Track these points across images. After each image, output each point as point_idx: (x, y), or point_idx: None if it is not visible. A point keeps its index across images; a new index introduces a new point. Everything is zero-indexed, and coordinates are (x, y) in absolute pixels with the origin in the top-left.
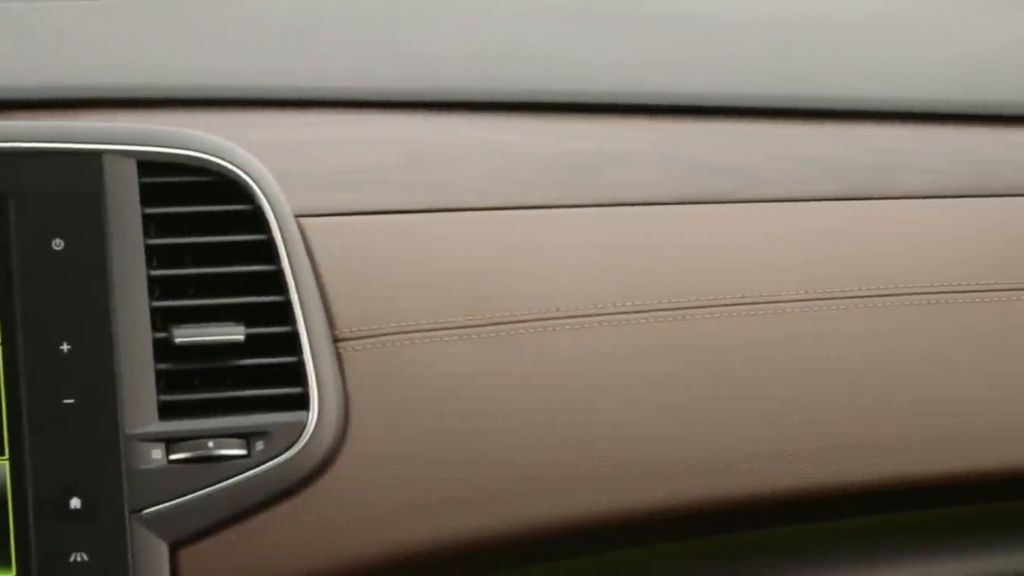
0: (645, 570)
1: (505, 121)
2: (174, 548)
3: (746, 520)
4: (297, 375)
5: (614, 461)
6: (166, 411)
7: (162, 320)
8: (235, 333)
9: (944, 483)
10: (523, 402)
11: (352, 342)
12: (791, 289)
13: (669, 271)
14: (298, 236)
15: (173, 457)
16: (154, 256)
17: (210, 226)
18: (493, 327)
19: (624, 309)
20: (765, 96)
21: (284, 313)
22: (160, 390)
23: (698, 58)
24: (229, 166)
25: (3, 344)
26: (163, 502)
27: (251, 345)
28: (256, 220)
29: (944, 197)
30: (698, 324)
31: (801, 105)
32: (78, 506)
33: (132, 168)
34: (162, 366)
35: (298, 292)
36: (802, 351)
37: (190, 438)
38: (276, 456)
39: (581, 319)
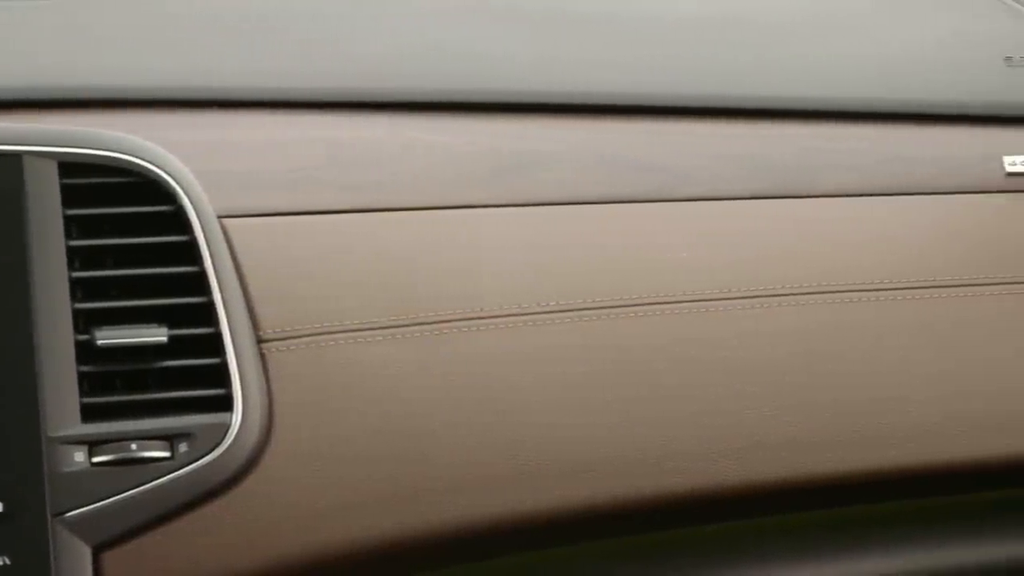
0: (571, 569)
1: (429, 121)
2: (97, 551)
3: (670, 519)
4: (221, 376)
5: (538, 460)
6: (89, 413)
7: (84, 322)
8: (158, 335)
9: (867, 480)
10: (448, 402)
11: (276, 343)
12: (715, 288)
13: (593, 271)
14: (221, 237)
15: (96, 460)
16: (76, 258)
17: (132, 227)
18: (418, 327)
19: (548, 309)
20: (689, 95)
21: (207, 314)
22: (83, 392)
23: (623, 57)
24: (150, 167)
25: None
26: (86, 505)
27: (174, 347)
28: (178, 221)
29: (868, 195)
30: (622, 324)
31: (725, 104)
32: (0, 509)
33: (53, 169)
34: (84, 368)
35: (221, 293)
36: (726, 350)
37: (113, 440)
38: (199, 458)
39: (506, 319)
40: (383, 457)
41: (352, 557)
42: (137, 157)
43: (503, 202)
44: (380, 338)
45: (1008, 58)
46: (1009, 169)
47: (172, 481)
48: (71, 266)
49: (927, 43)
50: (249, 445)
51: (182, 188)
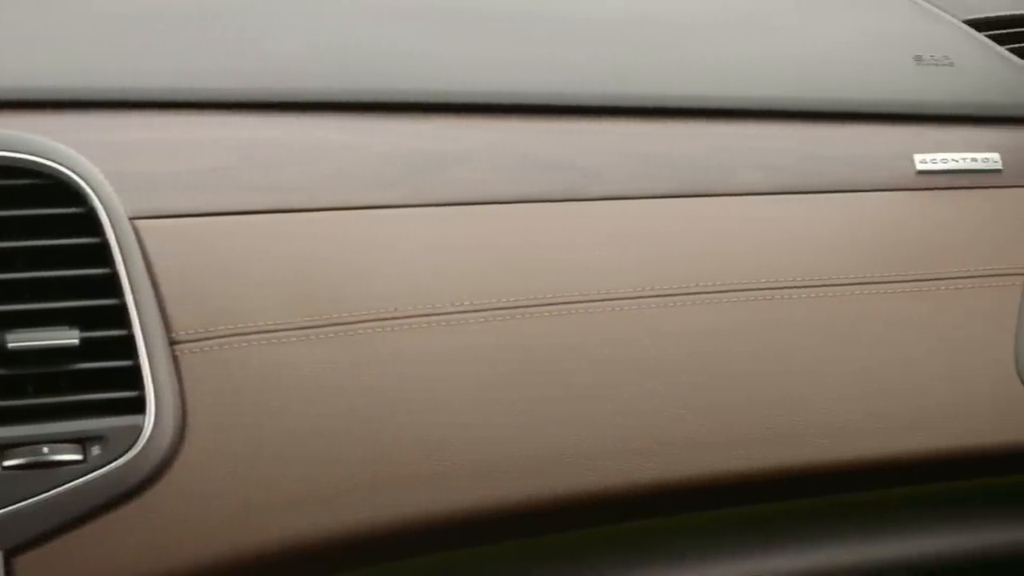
0: (489, 569)
1: (342, 121)
2: (10, 555)
3: (585, 518)
4: (133, 379)
5: (452, 460)
6: None
7: None
8: (69, 337)
9: (779, 478)
10: (361, 402)
11: (189, 344)
12: (627, 287)
13: (506, 270)
14: (133, 238)
15: (7, 463)
16: None
17: (43, 229)
18: (331, 328)
19: (461, 309)
20: (601, 94)
21: (120, 316)
22: None
23: (535, 57)
24: (59, 168)
25: None
26: None
27: (86, 349)
28: (89, 223)
29: (780, 193)
30: (535, 323)
31: (637, 103)
32: None
33: None
34: None
35: (133, 295)
36: (639, 349)
37: (24, 444)
38: (113, 460)
39: (419, 319)
40: (297, 457)
41: (269, 557)
42: (46, 158)
43: (416, 202)
44: (294, 339)
45: (918, 57)
46: (920, 167)
47: (85, 484)
48: None
49: (838, 42)
50: (162, 447)
51: (92, 189)
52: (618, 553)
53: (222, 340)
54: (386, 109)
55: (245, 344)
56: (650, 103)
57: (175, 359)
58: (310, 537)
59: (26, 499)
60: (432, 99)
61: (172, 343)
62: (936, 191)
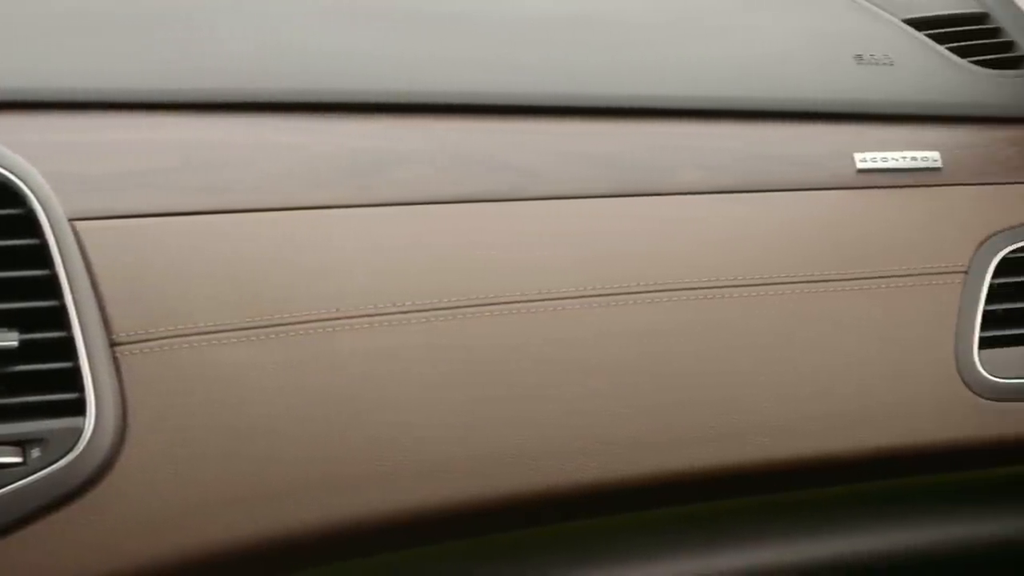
0: (434, 569)
1: (285, 121)
2: None
3: (529, 517)
4: (73, 381)
5: (396, 460)
6: None
7: None
8: (8, 339)
9: (723, 476)
10: (304, 403)
11: (130, 346)
12: (570, 287)
13: (448, 270)
14: (72, 239)
15: None
16: None
17: None
18: (273, 328)
19: (404, 309)
20: (543, 94)
21: (59, 318)
22: None
23: (477, 57)
24: None
25: None
26: None
27: (26, 351)
28: (28, 224)
29: (721, 192)
30: (478, 323)
31: (579, 103)
32: None
33: None
34: None
35: (73, 296)
36: (582, 349)
37: None
38: (53, 462)
39: (362, 319)
40: (240, 458)
41: (212, 558)
42: None
43: (357, 202)
44: (235, 340)
45: (858, 56)
46: (860, 166)
47: (26, 486)
48: None
49: (779, 41)
50: (103, 449)
51: (31, 190)
52: (562, 552)
53: (163, 341)
54: (328, 109)
55: (186, 345)
56: (591, 103)
57: (116, 360)
58: (253, 538)
59: None
60: (374, 99)
61: (112, 344)
62: (876, 190)
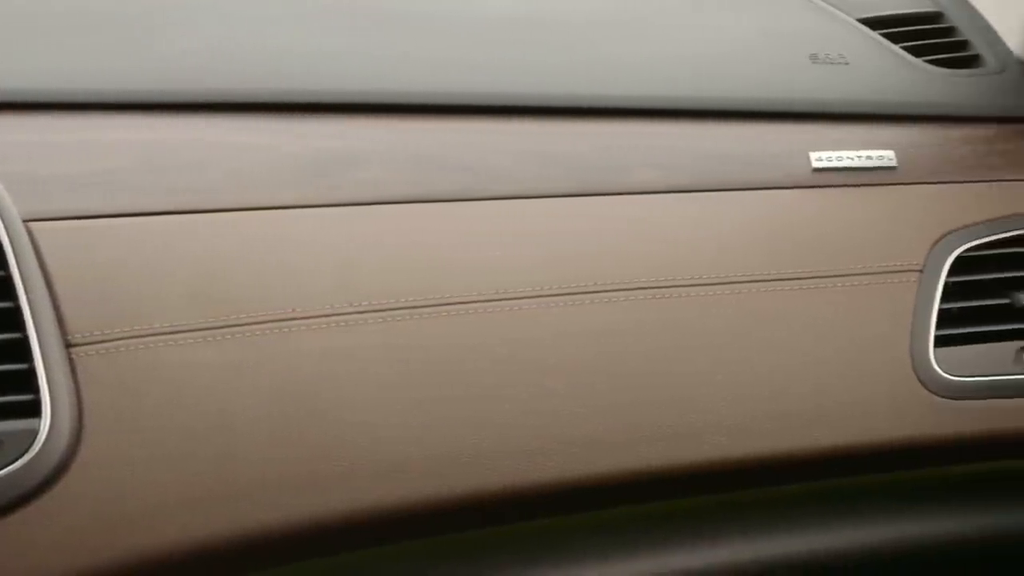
0: (391, 569)
1: (243, 121)
2: None
3: (485, 517)
4: (28, 382)
5: (353, 460)
6: None
7: None
8: None
9: (680, 476)
10: (261, 403)
11: (85, 347)
12: (526, 287)
13: (406, 271)
14: (27, 240)
15: None
16: None
17: None
18: (230, 329)
19: (361, 309)
20: (498, 94)
21: (14, 319)
22: None
23: (434, 57)
24: None
25: None
26: None
27: None
28: None
29: (677, 192)
30: (434, 324)
31: (534, 103)
32: None
33: None
34: None
35: (28, 297)
36: (538, 349)
37: None
38: (8, 464)
39: (319, 319)
40: (197, 459)
41: (169, 560)
42: None
43: (315, 202)
44: (192, 340)
45: (813, 55)
46: (816, 165)
47: None
48: None
49: (734, 40)
50: (59, 450)
51: None
52: (520, 552)
53: (119, 342)
54: (285, 110)
55: (143, 346)
56: (547, 102)
57: (71, 362)
58: (211, 538)
59: None
60: (330, 99)
61: (68, 346)
62: (832, 189)
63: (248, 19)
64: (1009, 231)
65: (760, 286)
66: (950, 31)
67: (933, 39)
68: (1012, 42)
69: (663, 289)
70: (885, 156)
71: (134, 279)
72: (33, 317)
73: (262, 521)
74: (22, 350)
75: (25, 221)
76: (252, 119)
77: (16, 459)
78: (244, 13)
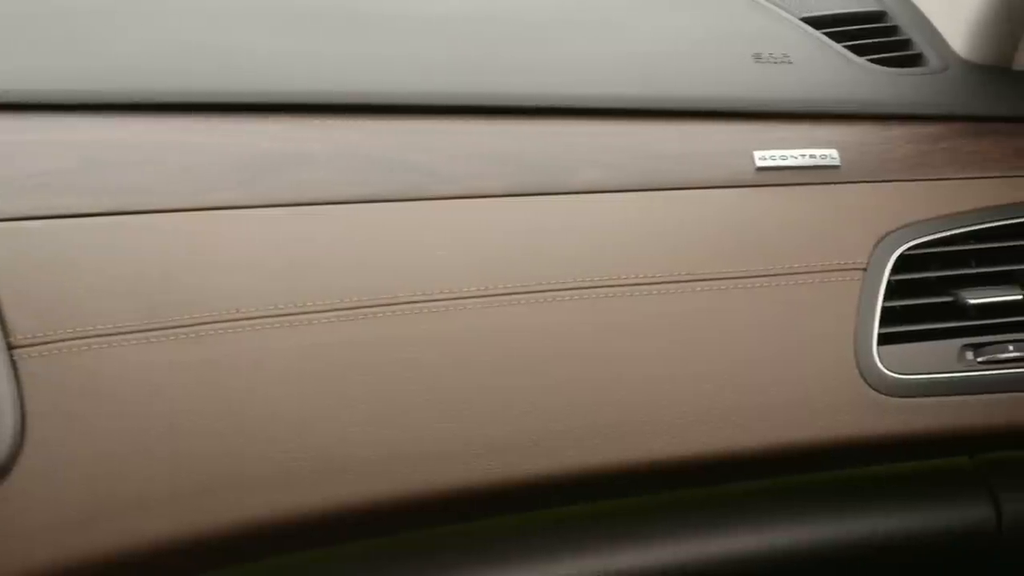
0: (322, 569)
1: (185, 121)
2: None
3: (424, 518)
4: None
5: (295, 461)
6: None
7: None
8: None
9: (619, 474)
10: (204, 404)
11: (27, 349)
12: (470, 287)
13: (350, 271)
14: None
15: None
16: None
17: None
18: (173, 330)
19: (305, 309)
20: (443, 94)
21: None
22: None
23: (377, 56)
24: None
25: None
26: None
27: None
28: None
29: (622, 191)
30: (378, 323)
31: (478, 102)
32: None
33: None
34: None
35: None
36: (482, 349)
37: None
38: None
39: (262, 320)
40: (141, 461)
41: (115, 560)
42: None
43: (259, 203)
44: (134, 341)
45: (757, 55)
46: (759, 164)
47: None
48: None
49: (679, 39)
50: (1, 453)
51: None
52: (457, 552)
53: (63, 344)
54: (230, 110)
55: (87, 348)
56: (491, 102)
57: (14, 364)
58: (155, 540)
59: None
60: (274, 100)
61: (11, 348)
62: (776, 187)
63: (192, 18)
64: (952, 229)
65: (705, 285)
66: (893, 30)
67: (876, 38)
68: (956, 43)
69: (608, 288)
70: (828, 155)
71: (77, 281)
72: None
73: (206, 522)
74: None
75: None
76: (196, 119)
77: None
78: (188, 12)
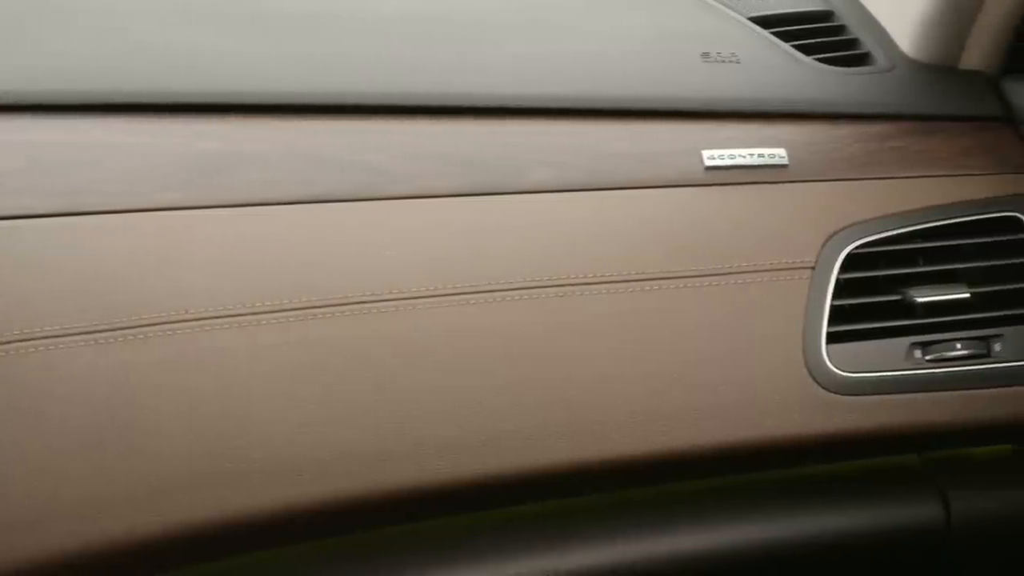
0: (276, 569)
1: (131, 122)
2: None
3: (377, 517)
4: None
5: (245, 461)
6: None
7: None
8: None
9: (576, 473)
10: (154, 405)
11: None
12: (420, 287)
13: (299, 271)
14: None
15: None
16: None
17: None
18: (120, 331)
19: (254, 310)
20: (392, 94)
21: None
22: None
23: (324, 56)
24: None
25: None
26: None
27: None
28: None
29: (572, 191)
30: (327, 323)
31: (428, 102)
32: None
33: None
34: None
35: None
36: (431, 349)
37: None
38: None
39: (211, 320)
40: (90, 462)
41: (61, 563)
42: None
43: (206, 203)
44: (83, 343)
45: (705, 54)
46: (708, 163)
47: None
48: None
49: (628, 39)
50: None
51: None
52: (408, 552)
53: (9, 346)
54: (177, 110)
55: (33, 350)
56: (441, 102)
57: None
58: (106, 541)
59: None
60: (223, 100)
61: None
62: (724, 187)
63: (137, 19)
64: (899, 228)
65: (654, 284)
66: (840, 29)
67: (823, 37)
68: (904, 43)
69: (557, 288)
70: (777, 154)
71: (23, 282)
72: None
73: (160, 522)
74: None
75: None
76: (144, 120)
77: None
78: (134, 13)
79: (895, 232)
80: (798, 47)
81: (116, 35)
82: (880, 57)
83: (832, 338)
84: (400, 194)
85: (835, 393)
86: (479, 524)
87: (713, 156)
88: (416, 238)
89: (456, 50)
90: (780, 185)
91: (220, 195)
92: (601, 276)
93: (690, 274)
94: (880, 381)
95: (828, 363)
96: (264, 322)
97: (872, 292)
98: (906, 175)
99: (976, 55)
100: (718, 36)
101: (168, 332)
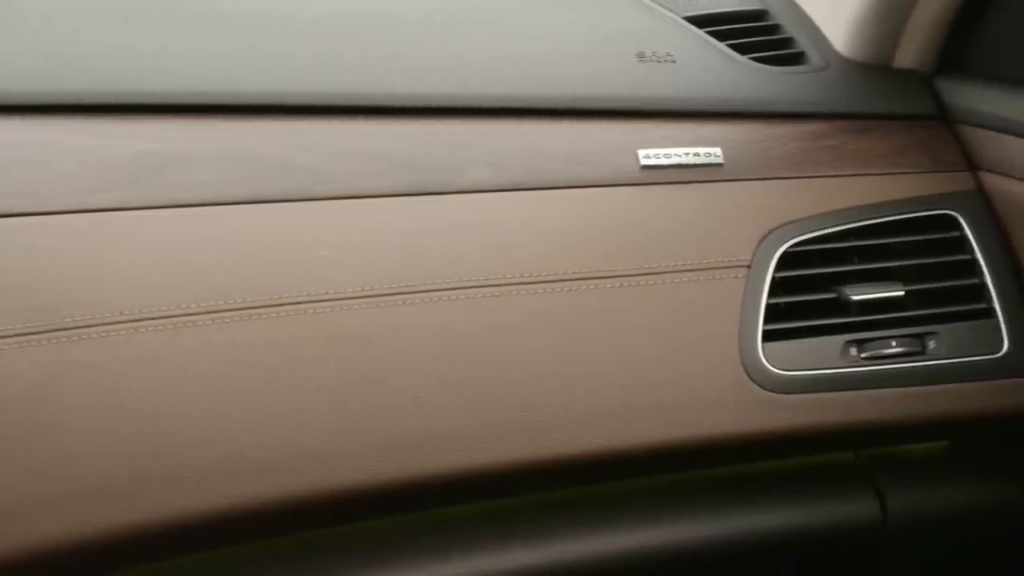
0: (223, 570)
1: (67, 123)
2: None
3: (319, 518)
4: None
5: (183, 462)
6: None
7: None
8: None
9: (516, 471)
10: (91, 406)
11: None
12: (356, 287)
13: (234, 272)
14: None
15: None
16: None
17: None
18: (54, 333)
19: (190, 311)
20: (328, 94)
21: None
22: None
23: (260, 56)
24: None
25: None
26: None
27: None
28: None
29: (508, 190)
30: (263, 324)
31: (364, 101)
32: None
33: None
34: None
35: None
36: (368, 348)
37: None
38: None
39: (146, 322)
40: (21, 465)
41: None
42: None
43: (142, 204)
44: (15, 344)
45: (640, 54)
46: (644, 162)
47: None
48: None
49: (563, 39)
50: None
51: None
52: (347, 553)
53: None
54: (111, 111)
55: None
56: (377, 102)
57: None
58: (40, 544)
59: None
60: (157, 101)
61: None
62: (660, 186)
63: (70, 19)
64: (834, 226)
65: (591, 283)
66: (775, 28)
67: (758, 37)
68: (838, 42)
69: (494, 288)
70: (712, 153)
71: None
72: None
73: (95, 524)
74: None
75: None
76: (75, 121)
77: None
78: (67, 13)
79: (830, 230)
80: (733, 46)
81: (52, 36)
82: (814, 56)
83: (768, 336)
84: (336, 194)
85: (771, 391)
86: (418, 524)
87: (649, 155)
88: (352, 238)
89: (391, 50)
90: (716, 184)
91: (156, 196)
92: (537, 275)
93: (626, 273)
94: (816, 379)
95: (764, 361)
96: (199, 323)
97: (807, 290)
98: (841, 173)
99: (910, 54)
100: (654, 36)
101: (102, 333)
